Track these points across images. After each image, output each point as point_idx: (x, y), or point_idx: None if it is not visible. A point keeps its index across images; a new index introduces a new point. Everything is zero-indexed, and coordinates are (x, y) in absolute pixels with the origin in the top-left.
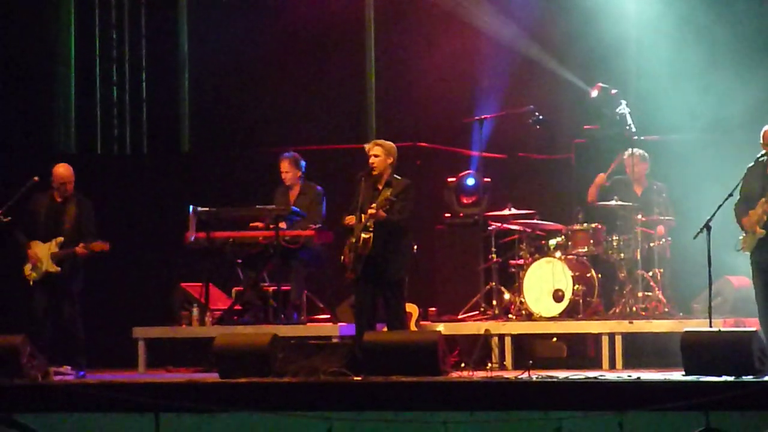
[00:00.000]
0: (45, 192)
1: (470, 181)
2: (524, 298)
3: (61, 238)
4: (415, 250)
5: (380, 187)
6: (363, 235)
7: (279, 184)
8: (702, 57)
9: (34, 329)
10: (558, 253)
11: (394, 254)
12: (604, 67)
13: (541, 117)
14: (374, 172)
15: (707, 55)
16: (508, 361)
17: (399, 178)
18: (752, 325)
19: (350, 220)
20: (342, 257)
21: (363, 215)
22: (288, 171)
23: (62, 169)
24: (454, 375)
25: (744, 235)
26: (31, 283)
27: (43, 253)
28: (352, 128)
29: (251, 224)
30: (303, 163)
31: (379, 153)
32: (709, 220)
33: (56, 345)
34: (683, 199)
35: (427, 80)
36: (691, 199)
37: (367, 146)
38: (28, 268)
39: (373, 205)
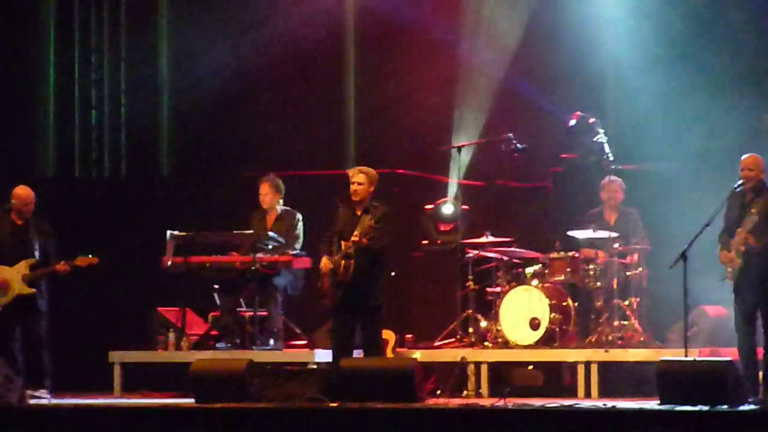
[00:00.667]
0: (4, 215)
1: (448, 209)
2: (501, 325)
3: (32, 260)
4: (392, 276)
5: (359, 213)
6: (343, 262)
7: (256, 208)
8: (682, 86)
9: (8, 352)
10: (535, 281)
11: (373, 281)
12: (583, 96)
13: (519, 145)
14: (356, 199)
15: (687, 84)
16: (484, 388)
17: (377, 204)
18: (728, 354)
19: (324, 266)
20: (319, 283)
21: (342, 242)
22: (267, 194)
23: (23, 191)
24: (431, 402)
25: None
26: (0, 308)
27: (12, 276)
28: (331, 154)
29: (228, 252)
30: (283, 187)
31: (362, 181)
32: (686, 249)
33: (29, 366)
34: (661, 228)
35: (406, 107)
36: (668, 229)
37: (350, 172)
38: None
39: (356, 232)
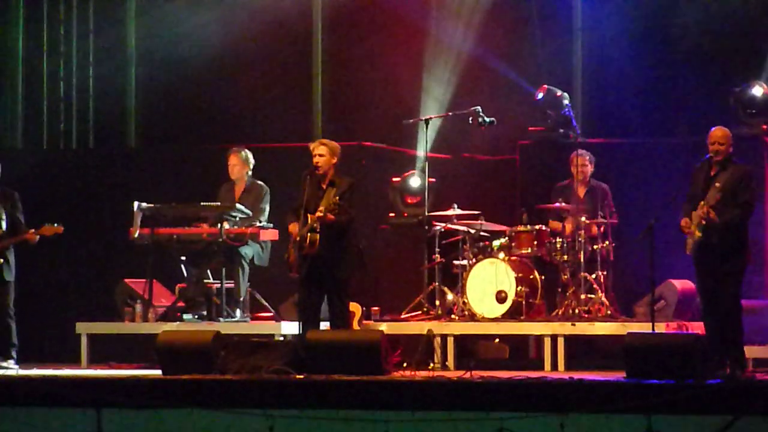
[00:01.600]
0: None
1: (415, 181)
2: (467, 298)
3: (0, 230)
4: (360, 249)
5: (324, 186)
6: (310, 235)
7: (224, 180)
8: (651, 59)
9: None
10: (501, 255)
11: (340, 254)
12: (551, 69)
13: (486, 118)
14: (319, 172)
15: (656, 58)
16: (451, 361)
17: (342, 177)
18: (695, 328)
19: (293, 228)
20: (286, 255)
21: (309, 215)
22: (236, 164)
23: None
24: (397, 374)
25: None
26: None
27: None
28: (298, 127)
29: (195, 223)
30: (252, 160)
31: (324, 152)
32: (653, 222)
33: None
34: (629, 201)
35: (373, 80)
36: (636, 202)
37: (311, 145)
38: None
39: (321, 207)
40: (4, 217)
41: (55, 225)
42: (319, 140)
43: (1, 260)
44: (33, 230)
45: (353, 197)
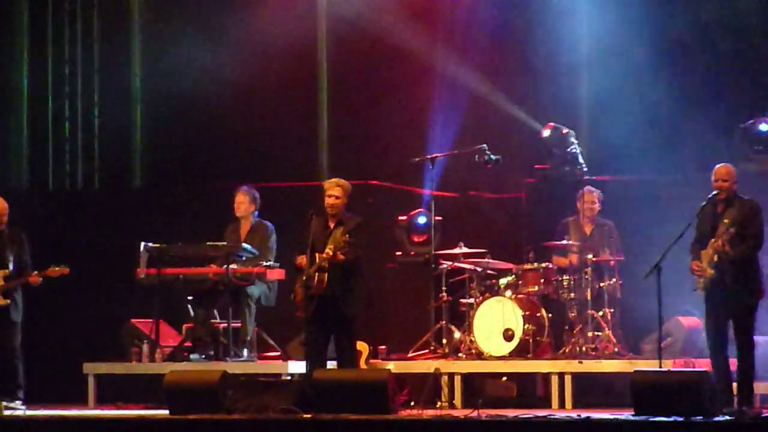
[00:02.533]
0: None
1: (421, 220)
2: (474, 337)
3: (5, 271)
4: (366, 288)
5: (331, 225)
6: (317, 275)
7: (230, 219)
8: (657, 97)
9: None
10: (508, 293)
11: (347, 293)
12: (556, 107)
13: (492, 156)
14: (331, 212)
15: (663, 95)
16: (458, 399)
17: (350, 216)
18: (702, 365)
19: (302, 260)
20: (292, 295)
21: (316, 254)
22: (243, 202)
23: None
24: (404, 413)
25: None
26: None
27: None
28: (304, 166)
29: (205, 264)
30: (258, 199)
31: (339, 194)
32: (660, 260)
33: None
34: (635, 239)
35: (379, 118)
36: (643, 240)
37: (326, 184)
38: None
39: (330, 246)
40: (11, 258)
41: (61, 266)
42: (334, 180)
43: (8, 301)
44: (36, 273)
45: (362, 236)
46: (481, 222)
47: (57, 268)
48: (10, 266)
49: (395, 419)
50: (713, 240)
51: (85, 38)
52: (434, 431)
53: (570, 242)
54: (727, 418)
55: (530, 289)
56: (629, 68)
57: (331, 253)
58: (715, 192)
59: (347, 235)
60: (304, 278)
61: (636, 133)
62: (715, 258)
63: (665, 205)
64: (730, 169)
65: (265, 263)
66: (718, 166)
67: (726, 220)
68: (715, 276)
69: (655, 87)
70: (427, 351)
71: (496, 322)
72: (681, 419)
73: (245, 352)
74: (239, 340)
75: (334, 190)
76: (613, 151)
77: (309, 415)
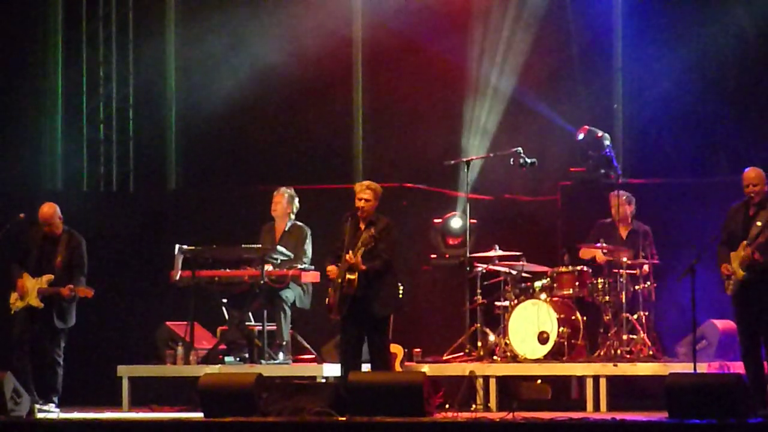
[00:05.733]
0: (38, 227)
1: (456, 223)
2: (509, 339)
3: (51, 276)
4: (401, 290)
5: (362, 227)
6: (348, 276)
7: (265, 222)
8: (692, 99)
9: (18, 366)
10: (543, 295)
11: (379, 293)
12: (592, 110)
13: (527, 159)
14: (362, 215)
15: (697, 97)
16: (493, 402)
17: (380, 216)
18: (736, 368)
19: (331, 269)
20: (327, 299)
21: (346, 255)
22: (280, 202)
23: (45, 209)
24: (439, 416)
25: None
26: (12, 312)
27: (32, 286)
28: (339, 168)
29: (240, 266)
30: (297, 201)
31: (369, 197)
32: (694, 262)
33: (37, 381)
34: (670, 241)
35: (415, 121)
36: (677, 242)
37: (357, 187)
38: (14, 296)
39: (358, 248)
40: (59, 262)
41: (87, 288)
42: (365, 183)
43: (42, 304)
44: (70, 287)
45: (390, 237)
46: (516, 225)
47: (85, 289)
48: (57, 270)
49: (430, 422)
50: (745, 242)
51: (119, 39)
52: None
53: (604, 245)
54: (762, 420)
55: (565, 292)
56: (664, 72)
57: (352, 260)
58: (748, 196)
59: (372, 232)
60: (338, 280)
61: (670, 136)
62: (748, 260)
63: (700, 208)
64: (760, 172)
65: (300, 266)
66: (746, 170)
67: (759, 223)
68: (745, 277)
69: (689, 90)
70: (461, 354)
71: (530, 325)
72: (715, 422)
73: (280, 354)
74: (274, 343)
75: (364, 193)
76: (648, 154)
77: (344, 418)
